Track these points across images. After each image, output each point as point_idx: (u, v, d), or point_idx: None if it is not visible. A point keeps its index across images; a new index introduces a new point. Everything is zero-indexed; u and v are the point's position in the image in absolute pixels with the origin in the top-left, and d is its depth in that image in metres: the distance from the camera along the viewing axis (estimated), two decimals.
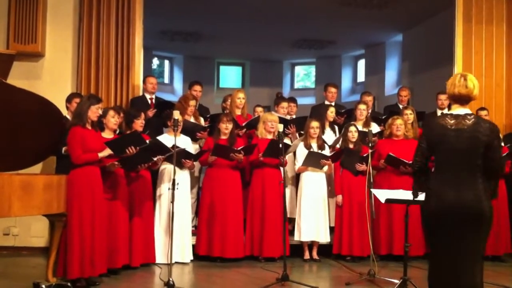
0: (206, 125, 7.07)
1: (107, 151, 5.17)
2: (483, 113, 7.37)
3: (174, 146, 5.31)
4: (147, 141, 5.57)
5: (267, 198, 6.48)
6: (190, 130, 6.68)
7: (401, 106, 7.97)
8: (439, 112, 7.64)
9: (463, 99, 3.51)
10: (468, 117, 3.46)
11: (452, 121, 3.46)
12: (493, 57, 7.78)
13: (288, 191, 6.81)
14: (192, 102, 6.95)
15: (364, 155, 6.35)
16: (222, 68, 15.59)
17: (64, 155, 5.68)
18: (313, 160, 6.52)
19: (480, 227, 3.39)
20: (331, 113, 7.36)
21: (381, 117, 7.69)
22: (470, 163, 3.40)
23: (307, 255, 6.64)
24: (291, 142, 7.04)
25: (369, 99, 7.93)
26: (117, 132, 5.97)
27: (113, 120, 5.63)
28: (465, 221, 3.35)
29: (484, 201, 3.37)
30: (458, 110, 3.52)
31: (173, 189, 5.13)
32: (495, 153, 3.47)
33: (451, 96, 3.56)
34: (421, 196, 5.23)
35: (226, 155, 6.34)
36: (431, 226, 3.50)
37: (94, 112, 5.15)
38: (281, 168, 6.22)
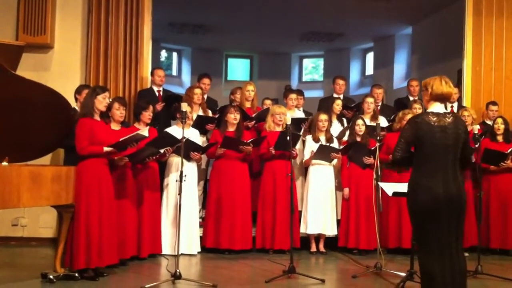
0: (215, 117, 7.04)
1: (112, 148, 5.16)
2: (494, 107, 7.31)
3: (182, 138, 5.30)
4: (154, 137, 5.60)
5: (278, 191, 6.47)
6: (200, 122, 6.69)
7: (411, 98, 7.88)
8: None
9: (445, 98, 3.89)
10: (447, 115, 3.82)
11: (434, 119, 3.79)
12: (503, 50, 7.70)
13: (298, 182, 6.82)
14: (197, 91, 6.94)
15: (372, 148, 6.33)
16: (230, 60, 15.56)
17: (71, 147, 5.68)
18: (324, 154, 6.51)
19: (462, 214, 3.79)
20: (337, 105, 7.30)
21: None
22: (453, 157, 3.77)
23: (313, 248, 6.65)
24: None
25: (379, 91, 7.83)
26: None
27: (118, 112, 5.61)
28: (452, 211, 3.72)
29: (463, 191, 3.78)
30: (436, 107, 3.85)
31: (181, 181, 5.14)
32: (469, 147, 4.03)
33: (436, 95, 3.87)
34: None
35: (235, 147, 6.35)
36: (421, 217, 3.76)
37: (100, 101, 5.11)
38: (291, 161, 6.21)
